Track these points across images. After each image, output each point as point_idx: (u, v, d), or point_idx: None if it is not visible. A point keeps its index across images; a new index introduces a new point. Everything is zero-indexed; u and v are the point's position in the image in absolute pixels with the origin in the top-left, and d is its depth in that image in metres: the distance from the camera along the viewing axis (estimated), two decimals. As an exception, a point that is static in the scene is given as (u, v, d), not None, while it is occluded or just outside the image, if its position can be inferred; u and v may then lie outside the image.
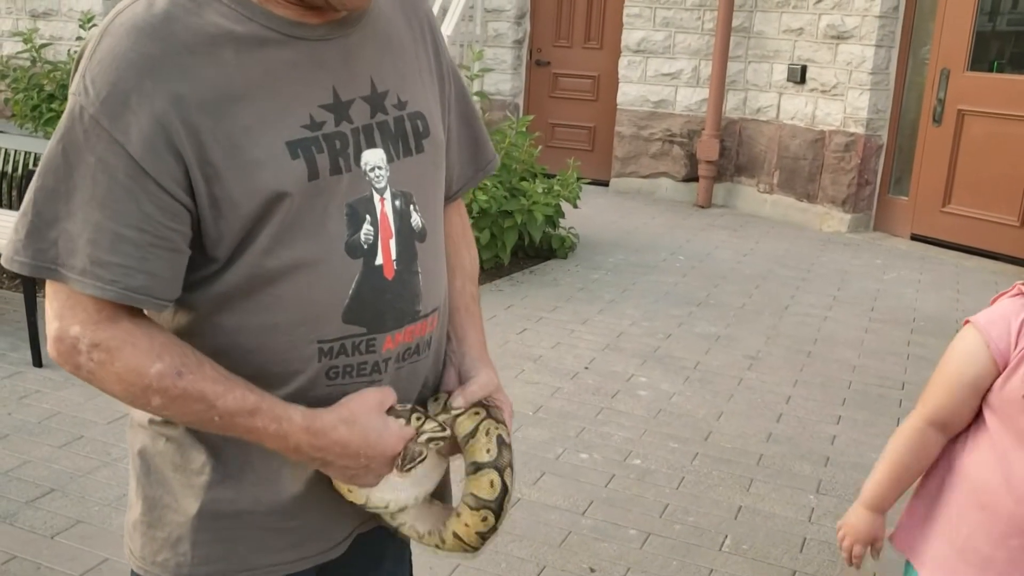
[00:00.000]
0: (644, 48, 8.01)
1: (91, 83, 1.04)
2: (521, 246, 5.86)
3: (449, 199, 1.38)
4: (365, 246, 1.16)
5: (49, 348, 1.11)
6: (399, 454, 1.18)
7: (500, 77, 8.63)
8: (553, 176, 6.05)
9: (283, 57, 1.10)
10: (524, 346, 4.52)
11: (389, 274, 1.18)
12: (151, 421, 1.22)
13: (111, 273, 1.05)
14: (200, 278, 1.13)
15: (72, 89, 1.06)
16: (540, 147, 6.27)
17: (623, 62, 8.13)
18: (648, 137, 8.13)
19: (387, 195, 1.18)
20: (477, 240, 5.27)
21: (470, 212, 5.18)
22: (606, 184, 8.35)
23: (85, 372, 1.09)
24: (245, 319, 1.13)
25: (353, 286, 1.15)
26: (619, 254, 6.26)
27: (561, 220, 6.07)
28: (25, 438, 3.35)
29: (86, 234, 1.05)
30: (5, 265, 1.09)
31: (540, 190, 5.70)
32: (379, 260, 1.17)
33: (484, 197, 5.30)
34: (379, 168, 1.17)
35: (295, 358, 1.15)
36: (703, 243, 6.67)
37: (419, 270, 1.22)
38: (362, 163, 1.15)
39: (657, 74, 8.00)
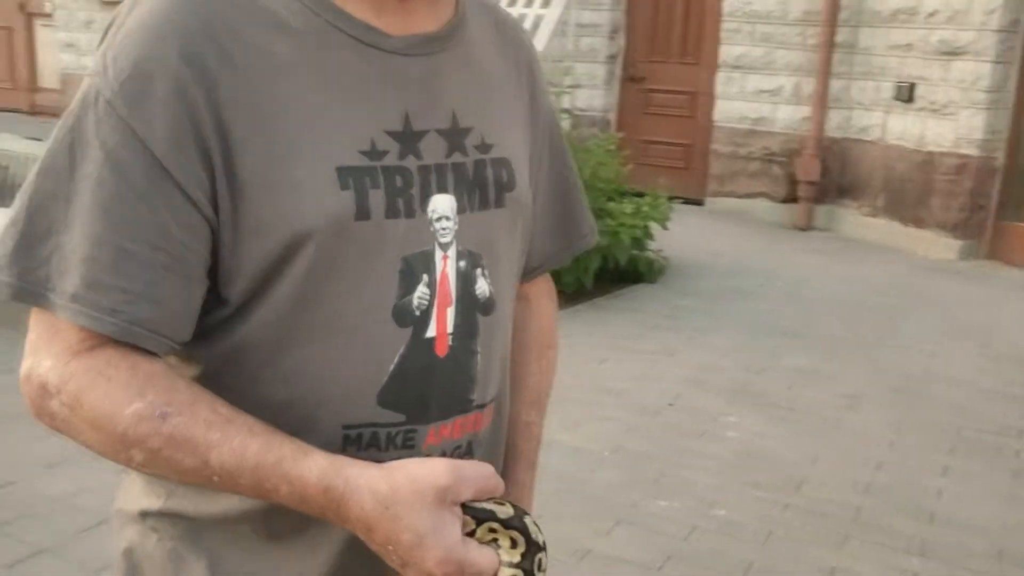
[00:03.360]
0: (742, 64, 7.75)
1: (112, 60, 0.83)
2: (606, 269, 5.62)
3: (527, 275, 1.13)
4: (417, 312, 0.92)
5: (23, 394, 0.87)
6: None
7: (592, 93, 8.44)
8: (642, 195, 5.81)
9: (349, 64, 0.89)
10: (603, 378, 4.28)
11: (441, 351, 0.94)
12: (143, 514, 0.99)
13: (110, 300, 0.82)
14: (208, 326, 0.90)
15: (92, 69, 0.85)
16: (630, 165, 6.04)
17: (720, 78, 7.89)
18: (746, 156, 7.85)
19: (451, 252, 0.94)
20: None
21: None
22: (701, 203, 8.08)
23: (60, 422, 0.85)
24: (258, 388, 0.90)
25: (396, 361, 0.91)
26: (710, 279, 5.98)
27: (650, 242, 5.82)
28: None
29: (83, 250, 0.82)
30: None
31: (628, 211, 5.47)
32: (431, 332, 0.93)
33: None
34: (447, 219, 0.93)
35: (313, 445, 0.87)
36: (801, 268, 6.34)
37: (478, 350, 0.98)
38: (428, 209, 0.92)
39: (756, 91, 7.74)
